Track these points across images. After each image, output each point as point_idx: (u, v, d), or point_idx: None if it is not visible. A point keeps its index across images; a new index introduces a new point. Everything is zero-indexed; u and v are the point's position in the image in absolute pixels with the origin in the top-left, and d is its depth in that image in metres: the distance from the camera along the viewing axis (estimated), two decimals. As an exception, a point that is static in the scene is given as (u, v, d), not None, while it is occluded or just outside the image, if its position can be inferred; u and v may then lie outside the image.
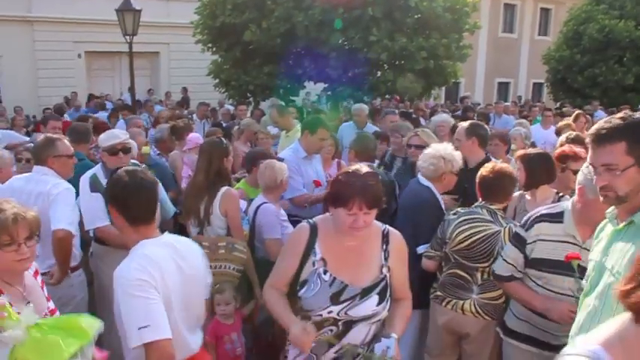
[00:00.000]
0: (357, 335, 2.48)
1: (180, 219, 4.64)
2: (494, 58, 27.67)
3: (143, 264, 2.24)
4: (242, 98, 13.59)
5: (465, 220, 3.40)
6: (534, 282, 2.87)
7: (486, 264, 3.30)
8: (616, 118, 1.94)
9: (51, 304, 2.46)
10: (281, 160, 4.51)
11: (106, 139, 4.16)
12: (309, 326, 2.32)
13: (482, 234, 3.31)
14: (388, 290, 2.51)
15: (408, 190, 4.10)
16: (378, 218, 2.49)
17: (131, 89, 13.36)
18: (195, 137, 6.05)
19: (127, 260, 2.28)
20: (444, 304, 3.50)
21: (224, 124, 9.13)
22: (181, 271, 2.37)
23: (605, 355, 1.21)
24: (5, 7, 18.16)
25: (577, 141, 4.77)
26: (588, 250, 2.29)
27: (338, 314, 2.43)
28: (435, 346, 3.71)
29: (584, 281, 2.22)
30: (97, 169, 4.16)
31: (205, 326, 3.81)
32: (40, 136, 4.41)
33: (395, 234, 2.61)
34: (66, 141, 4.01)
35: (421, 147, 4.50)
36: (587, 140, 2.02)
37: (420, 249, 3.69)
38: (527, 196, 3.89)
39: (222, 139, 4.37)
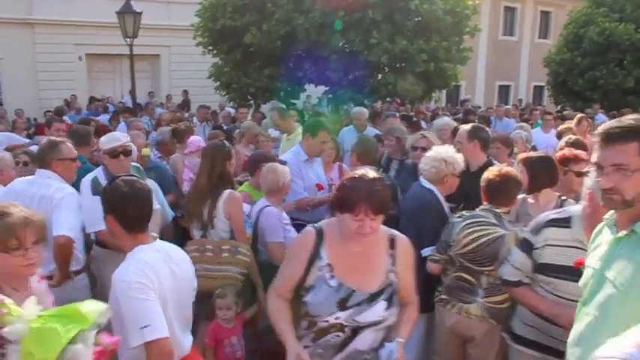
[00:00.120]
0: (365, 341, 2.46)
1: (183, 222, 4.63)
2: (494, 61, 27.68)
3: (141, 268, 2.38)
4: (243, 101, 13.57)
5: (470, 223, 3.39)
6: (542, 287, 2.84)
7: (491, 267, 3.29)
8: (628, 119, 1.90)
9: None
10: (283, 163, 4.50)
11: (106, 141, 4.14)
12: (303, 354, 2.30)
13: (487, 237, 3.30)
14: (395, 295, 2.49)
15: (410, 194, 4.09)
16: (381, 222, 2.47)
17: (132, 92, 13.36)
18: (197, 140, 6.05)
19: (125, 264, 2.41)
20: (449, 307, 3.49)
21: (225, 127, 9.13)
22: (174, 275, 2.53)
23: None
24: (6, 9, 18.17)
25: (577, 145, 4.76)
26: None
27: (345, 320, 2.41)
28: (440, 350, 3.70)
29: (580, 286, 2.19)
30: (99, 172, 4.15)
31: (206, 329, 3.83)
32: (42, 139, 4.40)
33: (401, 239, 2.58)
34: (69, 144, 4.00)
35: (427, 150, 4.50)
36: (595, 139, 1.96)
37: (425, 252, 3.67)
38: (530, 200, 3.87)
39: (225, 142, 4.36)
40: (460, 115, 11.42)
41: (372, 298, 2.43)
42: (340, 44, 12.31)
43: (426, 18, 12.27)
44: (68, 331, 1.84)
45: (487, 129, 5.10)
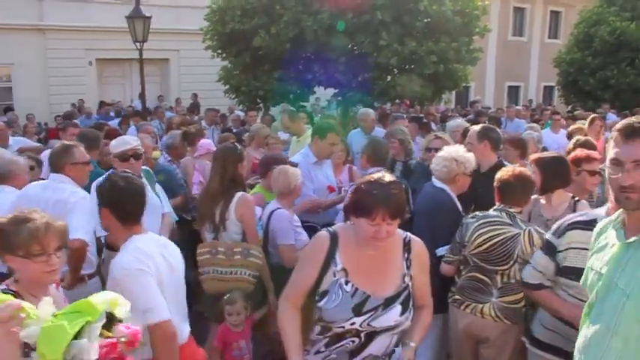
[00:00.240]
0: (380, 346, 2.43)
1: (195, 225, 4.63)
2: (504, 62, 27.56)
3: (137, 255, 2.50)
4: (252, 104, 13.61)
5: (483, 223, 3.38)
6: (565, 291, 2.78)
7: (506, 267, 3.28)
8: None
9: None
10: (295, 165, 4.49)
11: (117, 145, 4.16)
12: None
13: (501, 237, 3.28)
14: (411, 300, 2.46)
15: (423, 194, 4.08)
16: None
17: (142, 96, 13.43)
18: (206, 143, 6.05)
19: (122, 253, 2.51)
20: (462, 307, 3.46)
21: (234, 130, 9.13)
22: (169, 264, 2.66)
23: None
24: (17, 15, 18.36)
25: (586, 145, 4.74)
26: None
27: (360, 325, 2.37)
28: (454, 351, 3.68)
29: (581, 285, 2.15)
30: (109, 176, 4.15)
31: (214, 332, 3.83)
32: (56, 143, 4.41)
33: (416, 241, 2.55)
34: (82, 148, 4.01)
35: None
36: (613, 135, 1.91)
37: (440, 251, 3.67)
38: (542, 201, 3.84)
39: (237, 144, 4.37)
40: (471, 117, 11.37)
41: (388, 303, 2.39)
42: (349, 46, 12.29)
43: (435, 19, 12.22)
44: (74, 326, 1.80)
45: (497, 129, 5.07)
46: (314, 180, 4.91)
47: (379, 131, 7.35)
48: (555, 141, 8.31)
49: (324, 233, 2.51)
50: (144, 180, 4.22)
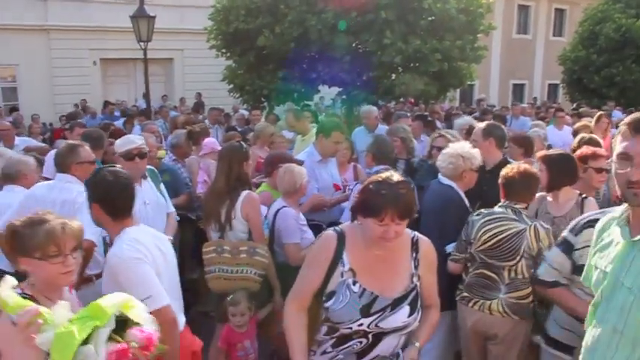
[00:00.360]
0: (387, 346, 2.41)
1: (200, 224, 4.62)
2: (508, 60, 27.49)
3: (133, 245, 2.56)
4: (257, 103, 13.60)
5: (489, 219, 3.39)
6: (581, 289, 2.72)
7: (512, 262, 3.28)
8: None
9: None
10: (300, 163, 4.47)
11: (121, 144, 4.14)
12: None
13: (507, 232, 3.29)
14: (419, 300, 2.43)
15: (430, 192, 4.08)
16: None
17: (146, 95, 13.44)
18: (210, 142, 6.03)
19: (117, 245, 2.56)
20: (470, 304, 3.46)
21: (239, 129, 9.12)
22: (163, 254, 2.72)
23: None
24: (22, 16, 18.44)
25: (591, 143, 4.72)
26: None
27: (368, 326, 2.33)
28: (463, 348, 3.67)
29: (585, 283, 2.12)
30: (114, 175, 4.15)
31: (218, 333, 3.83)
32: (62, 144, 4.41)
33: (424, 241, 2.51)
34: (87, 147, 4.01)
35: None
36: (622, 129, 1.86)
37: (449, 248, 3.67)
38: (549, 198, 3.82)
39: (242, 143, 4.36)
40: (477, 114, 11.34)
41: (396, 304, 2.36)
42: (350, 44, 12.24)
43: (440, 17, 12.17)
44: (82, 331, 1.79)
45: (502, 127, 5.06)
46: (318, 178, 4.90)
47: (382, 128, 7.34)
48: (559, 138, 8.30)
49: (330, 233, 2.47)
50: (149, 179, 4.25)
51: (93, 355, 1.79)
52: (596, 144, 4.69)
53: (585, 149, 4.12)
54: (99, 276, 3.80)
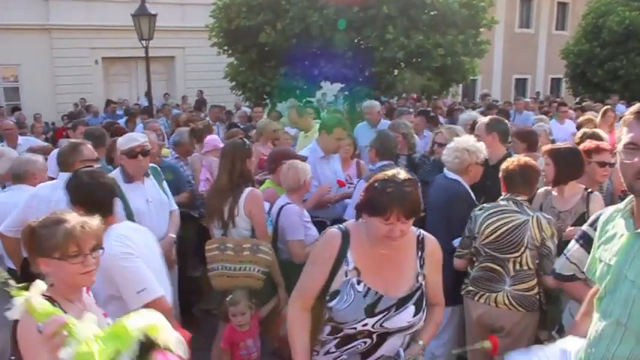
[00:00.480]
0: (392, 346, 2.37)
1: (203, 221, 4.61)
2: (511, 54, 27.42)
3: (121, 240, 2.63)
4: (259, 100, 13.56)
5: (491, 213, 3.42)
6: None
7: (517, 254, 3.30)
8: None
9: (109, 320, 2.32)
10: (304, 159, 4.45)
11: (124, 142, 4.13)
12: None
13: (510, 224, 3.32)
14: (424, 299, 2.39)
15: (436, 187, 4.07)
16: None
17: (148, 94, 13.43)
18: (212, 139, 6.00)
19: (106, 243, 2.52)
20: (476, 298, 3.47)
21: (241, 127, 9.10)
22: (150, 248, 2.81)
23: None
24: (23, 15, 18.44)
25: (594, 137, 4.68)
26: None
27: (373, 326, 2.29)
28: (469, 342, 3.63)
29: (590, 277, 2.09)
30: (116, 173, 4.13)
31: (221, 332, 3.81)
32: (65, 142, 4.40)
33: (430, 239, 2.47)
34: (90, 146, 3.99)
35: (444, 145, 4.47)
36: (628, 118, 1.81)
37: (456, 242, 3.68)
38: (554, 193, 3.80)
39: (245, 140, 4.33)
40: (482, 109, 11.30)
41: (401, 303, 2.32)
42: (348, 40, 12.18)
43: (442, 11, 12.11)
44: (102, 353, 1.75)
45: (506, 121, 5.03)
46: (319, 176, 4.86)
47: (385, 124, 7.31)
48: (561, 132, 8.30)
49: (335, 231, 2.42)
50: (151, 177, 4.24)
51: None
52: (599, 138, 4.65)
53: (588, 143, 4.10)
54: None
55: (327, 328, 2.39)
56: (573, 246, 2.81)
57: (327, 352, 2.41)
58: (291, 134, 7.21)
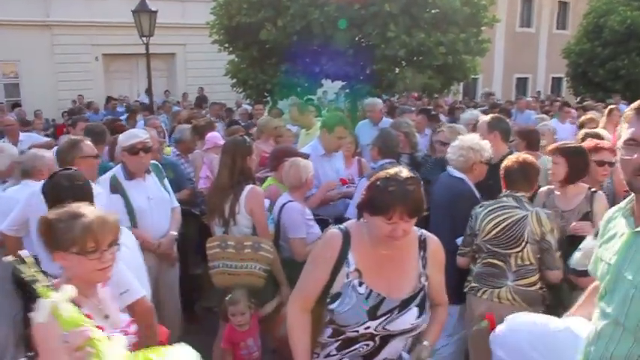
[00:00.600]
0: (394, 349, 2.34)
1: (204, 219, 4.59)
2: (512, 53, 27.40)
3: None
4: (260, 98, 13.54)
5: (491, 209, 3.45)
6: None
7: (518, 249, 3.32)
8: None
9: (126, 316, 2.32)
10: (306, 157, 4.43)
11: (126, 139, 4.11)
12: None
13: (509, 220, 3.34)
14: (427, 301, 2.35)
15: (440, 185, 4.06)
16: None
17: (148, 91, 13.41)
18: (213, 137, 5.96)
19: None
20: (479, 294, 3.46)
21: (242, 124, 9.08)
22: (127, 247, 2.75)
23: None
24: (24, 12, 18.41)
25: (596, 137, 4.67)
26: None
27: (375, 329, 2.25)
28: (471, 340, 3.62)
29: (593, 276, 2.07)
30: (117, 170, 4.12)
31: (221, 332, 3.79)
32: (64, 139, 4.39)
33: (432, 239, 2.43)
34: (89, 142, 3.97)
35: (446, 144, 4.48)
36: (629, 114, 1.80)
37: (459, 241, 3.68)
38: (557, 192, 3.78)
39: (246, 137, 4.31)
40: (486, 108, 11.30)
41: (404, 305, 2.28)
42: (349, 38, 12.15)
43: (444, 10, 12.08)
44: None
45: (507, 120, 5.02)
46: (320, 175, 4.83)
47: (387, 122, 7.28)
48: (562, 131, 8.28)
49: (335, 231, 2.37)
50: (152, 174, 4.22)
51: None
52: (601, 138, 4.64)
53: (588, 142, 4.10)
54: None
55: (328, 331, 2.35)
56: (589, 242, 2.81)
57: (328, 355, 2.37)
58: (292, 132, 7.20)
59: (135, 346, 2.14)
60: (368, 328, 2.25)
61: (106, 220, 2.09)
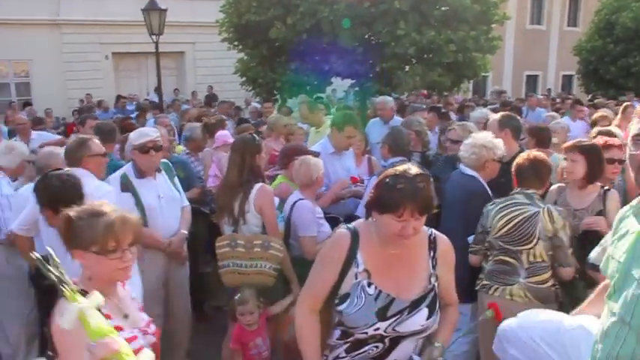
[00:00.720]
0: (405, 351, 2.30)
1: (213, 218, 4.58)
2: (522, 51, 27.22)
3: None
4: (269, 96, 13.54)
5: (503, 206, 3.45)
6: None
7: (530, 246, 3.31)
8: None
9: (145, 316, 2.28)
10: (317, 155, 4.41)
11: (136, 137, 4.11)
12: None
13: (521, 216, 3.34)
14: (437, 301, 2.31)
15: (452, 183, 4.05)
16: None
17: (158, 89, 13.45)
18: (222, 135, 5.96)
19: None
20: (491, 291, 3.44)
21: (252, 122, 9.07)
22: None
23: None
24: (34, 11, 18.50)
25: (609, 135, 4.62)
26: None
27: (385, 331, 2.21)
28: (481, 339, 3.61)
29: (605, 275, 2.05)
30: (128, 169, 4.12)
31: (230, 332, 3.78)
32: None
33: (442, 238, 2.38)
34: (97, 140, 3.98)
35: (458, 142, 4.45)
36: (638, 111, 1.79)
37: (471, 239, 3.68)
38: (569, 190, 3.74)
39: (255, 135, 4.31)
40: (497, 106, 11.23)
41: (414, 306, 2.24)
42: (359, 35, 12.12)
43: (454, 7, 12.03)
44: None
45: (518, 117, 4.98)
46: (330, 173, 4.81)
47: (397, 120, 7.25)
48: (575, 129, 8.23)
49: (343, 231, 2.33)
50: (163, 173, 4.22)
51: None
52: (612, 136, 4.59)
53: (598, 139, 4.06)
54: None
55: (337, 332, 2.32)
56: (610, 238, 2.77)
57: (337, 357, 2.33)
58: (303, 129, 7.19)
59: (154, 346, 2.14)
60: (377, 329, 2.21)
61: (127, 219, 2.07)
